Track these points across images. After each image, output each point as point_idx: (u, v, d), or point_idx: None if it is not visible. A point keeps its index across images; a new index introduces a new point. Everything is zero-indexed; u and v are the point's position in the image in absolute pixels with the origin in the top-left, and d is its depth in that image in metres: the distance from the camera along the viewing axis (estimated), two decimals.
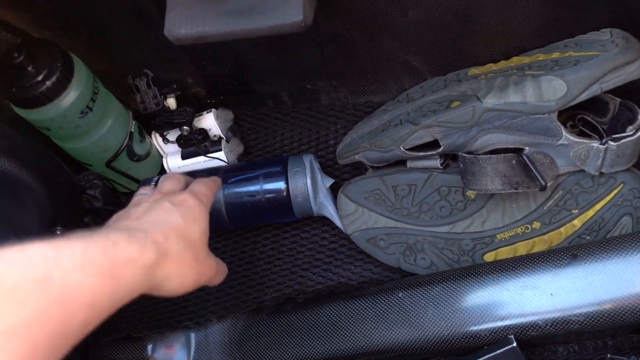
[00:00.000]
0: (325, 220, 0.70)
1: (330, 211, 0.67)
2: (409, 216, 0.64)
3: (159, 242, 0.39)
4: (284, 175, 0.65)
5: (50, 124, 0.59)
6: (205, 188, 0.50)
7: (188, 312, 0.68)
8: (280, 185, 0.65)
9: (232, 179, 0.66)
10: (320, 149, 0.74)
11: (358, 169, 0.71)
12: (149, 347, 0.67)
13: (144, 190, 0.51)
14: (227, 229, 0.71)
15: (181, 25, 0.46)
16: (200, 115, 0.73)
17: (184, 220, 0.43)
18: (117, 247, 0.35)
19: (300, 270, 0.68)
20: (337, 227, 0.70)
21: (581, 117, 0.62)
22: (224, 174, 0.67)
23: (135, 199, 0.49)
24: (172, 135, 0.73)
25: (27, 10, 0.60)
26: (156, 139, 0.74)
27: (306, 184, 0.65)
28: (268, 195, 0.65)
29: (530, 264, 0.56)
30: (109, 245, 0.34)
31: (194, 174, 0.60)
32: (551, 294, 0.54)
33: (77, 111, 0.59)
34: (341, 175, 0.71)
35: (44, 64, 0.55)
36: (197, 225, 0.45)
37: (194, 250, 0.43)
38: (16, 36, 0.62)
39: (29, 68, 0.55)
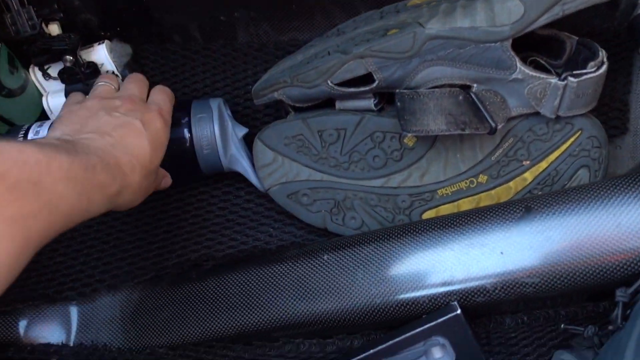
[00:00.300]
0: (239, 176, 0.59)
1: (244, 165, 0.56)
2: (337, 167, 0.54)
3: (125, 173, 0.41)
4: (187, 122, 0.54)
5: None
6: (168, 103, 0.50)
7: (70, 281, 0.56)
8: (183, 134, 0.54)
9: None
10: (236, 95, 0.63)
11: (280, 116, 0.60)
12: (21, 323, 0.55)
13: (106, 80, 0.52)
14: None
15: None
16: (90, 47, 0.60)
17: (151, 148, 0.44)
18: (95, 172, 0.37)
19: (209, 232, 0.57)
20: (251, 184, 0.59)
21: (533, 59, 0.54)
22: None
23: (98, 88, 0.50)
24: (54, 68, 0.60)
25: None
26: (35, 74, 0.61)
27: (213, 132, 0.54)
28: (169, 148, 0.53)
29: (477, 219, 0.48)
30: (90, 167, 0.37)
31: None
32: (501, 252, 0.46)
33: None
34: (260, 126, 0.60)
35: None
36: (160, 152, 0.46)
37: (152, 176, 0.45)
38: None
39: None
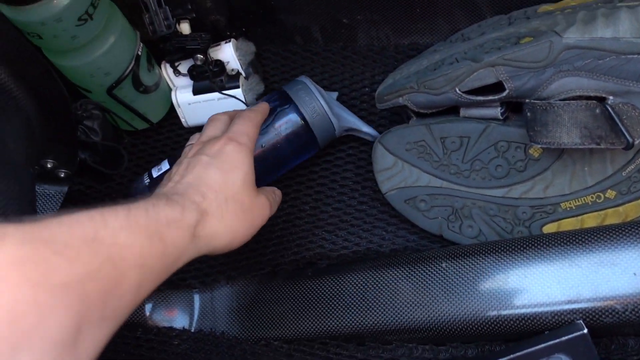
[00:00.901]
0: (354, 177, 0.60)
1: (351, 120, 0.59)
2: (458, 175, 0.54)
3: (197, 202, 0.39)
4: (289, 102, 0.57)
5: (42, 30, 0.49)
6: (244, 126, 0.48)
7: (193, 270, 0.59)
8: (291, 114, 0.57)
9: None
10: (353, 96, 0.64)
11: (398, 120, 0.61)
12: (147, 306, 0.58)
13: (191, 141, 0.51)
14: None
15: None
16: (217, 45, 0.63)
17: (221, 172, 0.43)
18: (158, 209, 0.35)
19: (324, 232, 0.59)
20: (367, 186, 0.60)
21: None
22: None
23: (184, 151, 0.49)
24: (185, 67, 0.63)
25: None
26: (166, 70, 0.64)
27: (317, 100, 0.57)
28: (284, 132, 0.56)
29: (608, 237, 0.46)
30: (150, 207, 0.35)
31: None
32: (634, 274, 0.44)
33: (74, 16, 0.49)
34: (377, 128, 0.61)
35: None
36: (237, 173, 0.44)
37: (238, 199, 0.43)
38: None
39: None
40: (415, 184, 0.55)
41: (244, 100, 0.62)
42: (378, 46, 0.64)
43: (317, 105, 0.56)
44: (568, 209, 0.52)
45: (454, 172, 0.54)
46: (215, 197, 0.41)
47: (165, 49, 0.61)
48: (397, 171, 0.55)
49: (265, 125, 0.56)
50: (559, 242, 0.48)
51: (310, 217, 0.60)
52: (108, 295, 0.28)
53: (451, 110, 0.54)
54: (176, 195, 0.39)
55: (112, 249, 0.29)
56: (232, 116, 0.51)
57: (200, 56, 0.60)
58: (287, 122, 0.56)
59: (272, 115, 0.57)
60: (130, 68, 0.57)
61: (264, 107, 0.54)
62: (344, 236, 0.58)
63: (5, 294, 0.23)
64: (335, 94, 0.61)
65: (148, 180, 0.58)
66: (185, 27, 0.62)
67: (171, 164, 0.58)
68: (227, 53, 0.63)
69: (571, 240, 0.47)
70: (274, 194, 0.51)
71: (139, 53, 0.58)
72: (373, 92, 0.63)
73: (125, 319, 0.30)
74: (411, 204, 0.55)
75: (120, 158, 0.63)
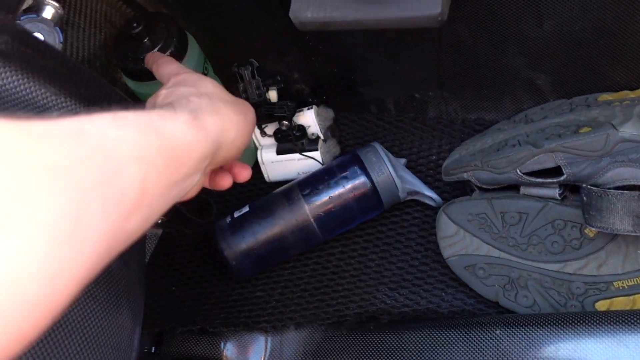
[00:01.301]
0: (417, 239, 0.66)
1: (415, 183, 0.65)
2: (516, 247, 0.58)
3: (184, 104, 0.39)
4: (359, 164, 0.64)
5: None
6: (175, 64, 0.50)
7: (266, 315, 0.65)
8: (361, 175, 0.63)
9: (311, 189, 0.64)
10: (421, 163, 0.69)
11: (461, 189, 0.66)
12: (223, 344, 0.65)
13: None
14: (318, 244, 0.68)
15: (308, 8, 0.43)
16: (300, 111, 0.71)
17: (190, 86, 0.43)
18: (147, 110, 0.33)
19: (387, 289, 0.64)
20: (430, 248, 0.65)
21: None
22: (300, 186, 0.65)
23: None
24: (270, 128, 0.71)
25: None
26: (254, 131, 0.72)
27: (382, 160, 0.63)
28: (352, 190, 0.63)
29: None
30: (138, 110, 0.32)
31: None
32: None
33: None
34: (440, 194, 0.66)
35: (160, 37, 0.54)
36: (204, 81, 0.45)
37: (220, 98, 0.42)
38: (136, 10, 0.61)
39: (145, 40, 0.54)
40: (475, 253, 0.59)
41: (321, 161, 0.69)
42: (446, 119, 0.70)
43: (385, 168, 0.63)
44: (620, 288, 0.55)
45: (512, 245, 0.58)
46: (199, 98, 0.40)
47: (256, 114, 0.69)
48: (458, 239, 0.60)
49: (335, 181, 0.63)
50: (609, 321, 0.51)
51: (375, 273, 0.65)
52: (107, 185, 0.25)
53: (512, 186, 0.59)
54: (161, 106, 0.40)
55: (101, 140, 0.26)
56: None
57: (285, 122, 0.67)
58: (356, 182, 0.63)
59: (343, 173, 0.63)
60: None
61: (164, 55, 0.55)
62: (405, 294, 0.63)
63: None
64: (403, 161, 0.67)
65: (229, 220, 0.65)
66: (273, 95, 0.70)
67: (251, 208, 0.65)
68: (309, 118, 0.70)
69: (621, 320, 0.50)
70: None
71: None
72: (439, 160, 0.69)
73: (140, 229, 0.28)
74: (470, 271, 0.60)
75: (209, 208, 0.71)
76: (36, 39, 0.39)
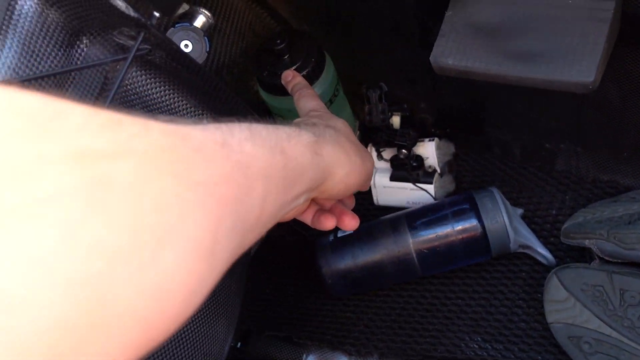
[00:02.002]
0: (521, 294, 0.63)
1: (529, 237, 0.62)
2: (631, 330, 0.54)
3: (310, 125, 0.39)
4: (473, 207, 0.61)
5: (286, 114, 0.59)
6: (316, 101, 0.49)
7: (352, 337, 0.65)
8: (472, 218, 0.61)
9: (419, 223, 0.62)
10: (539, 215, 0.66)
11: (577, 252, 0.62)
12: (305, 355, 0.66)
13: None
14: (416, 278, 0.66)
15: (450, 54, 0.42)
16: (421, 141, 0.69)
17: (322, 119, 0.43)
18: (276, 126, 0.33)
19: (481, 339, 0.61)
20: (532, 306, 0.61)
21: None
22: (408, 218, 0.64)
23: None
24: (388, 152, 0.71)
25: (294, 1, 0.61)
26: (371, 152, 0.72)
27: (498, 207, 0.60)
28: (460, 232, 0.61)
29: None
30: (269, 124, 0.32)
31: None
32: None
33: None
34: (554, 253, 0.63)
35: (299, 55, 0.56)
36: (335, 120, 0.44)
37: (346, 135, 0.42)
38: (279, 24, 0.63)
39: (285, 57, 0.55)
40: (584, 325, 0.55)
41: (434, 195, 0.68)
42: (576, 175, 0.65)
43: (499, 216, 0.60)
44: None
45: (627, 326, 0.54)
46: (326, 128, 0.40)
47: (375, 139, 0.69)
48: (567, 306, 0.56)
49: (445, 220, 0.61)
50: None
51: (471, 320, 0.63)
52: (239, 203, 0.25)
53: (638, 263, 0.54)
54: (298, 123, 0.39)
55: (240, 156, 0.27)
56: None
57: (404, 151, 0.67)
58: (466, 224, 0.61)
59: (455, 213, 0.62)
60: None
61: (304, 80, 0.53)
62: (499, 349, 0.60)
63: (151, 182, 0.20)
64: (520, 211, 0.64)
65: (332, 238, 0.66)
66: (396, 121, 0.69)
67: (355, 231, 0.65)
68: (429, 150, 0.69)
69: None
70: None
71: None
72: (559, 216, 0.65)
73: (251, 245, 0.29)
74: (574, 342, 0.56)
75: None
76: (186, 56, 0.41)
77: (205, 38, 0.51)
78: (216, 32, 0.59)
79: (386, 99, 0.68)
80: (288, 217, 0.41)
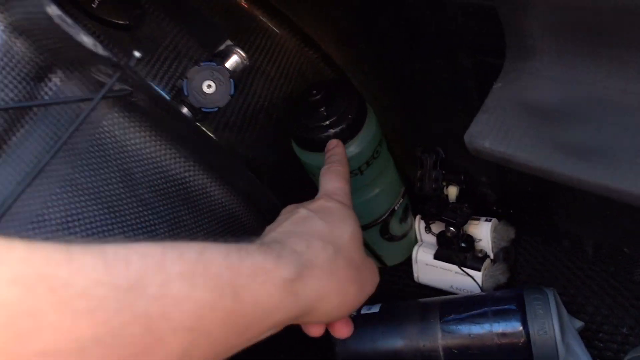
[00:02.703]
0: None
1: (582, 358, 0.50)
2: None
3: (299, 251, 0.31)
4: (520, 308, 0.51)
5: (318, 172, 0.53)
6: (339, 182, 0.41)
7: None
8: (515, 321, 0.51)
9: (453, 317, 0.53)
10: (605, 331, 0.55)
11: None
12: None
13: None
14: None
15: (489, 136, 0.34)
16: (476, 219, 0.61)
17: (327, 223, 0.35)
18: (243, 254, 0.27)
19: None
20: None
21: None
22: (442, 308, 0.55)
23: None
24: (437, 226, 0.62)
25: (349, 51, 0.56)
26: (419, 224, 0.64)
27: (551, 315, 0.50)
28: (500, 336, 0.51)
29: None
30: (233, 251, 0.27)
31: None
32: None
33: None
34: None
35: (337, 109, 0.50)
36: (344, 226, 0.36)
37: (348, 255, 0.34)
38: (333, 71, 0.58)
39: (321, 109, 0.50)
40: None
41: (480, 284, 0.59)
42: None
43: (550, 327, 0.50)
44: None
45: None
46: (324, 247, 0.33)
47: (425, 208, 0.61)
48: None
49: (485, 318, 0.52)
50: None
51: None
52: (142, 356, 0.22)
53: None
54: (274, 242, 0.31)
55: (152, 304, 0.22)
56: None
57: (452, 229, 0.58)
58: (508, 329, 0.51)
59: (498, 311, 0.52)
60: (382, 219, 0.59)
61: (343, 152, 0.46)
62: None
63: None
64: (579, 324, 0.53)
65: (354, 314, 0.59)
66: (452, 192, 0.61)
67: (382, 311, 0.58)
68: (483, 232, 0.60)
69: None
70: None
71: (396, 207, 0.60)
72: (630, 337, 0.53)
73: None
74: None
75: None
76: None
77: (232, 81, 0.47)
78: (257, 74, 0.55)
79: (442, 166, 0.60)
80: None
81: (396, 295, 0.65)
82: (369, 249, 0.63)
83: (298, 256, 0.31)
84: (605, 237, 0.55)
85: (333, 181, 0.41)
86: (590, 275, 0.57)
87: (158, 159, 0.35)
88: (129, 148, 0.34)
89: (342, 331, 0.39)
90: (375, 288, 0.38)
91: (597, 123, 0.32)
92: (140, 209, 0.35)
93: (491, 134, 0.35)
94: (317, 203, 0.38)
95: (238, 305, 0.26)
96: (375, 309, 0.58)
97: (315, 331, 0.38)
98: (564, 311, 0.52)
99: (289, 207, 0.39)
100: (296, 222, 0.35)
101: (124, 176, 0.33)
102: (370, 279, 0.37)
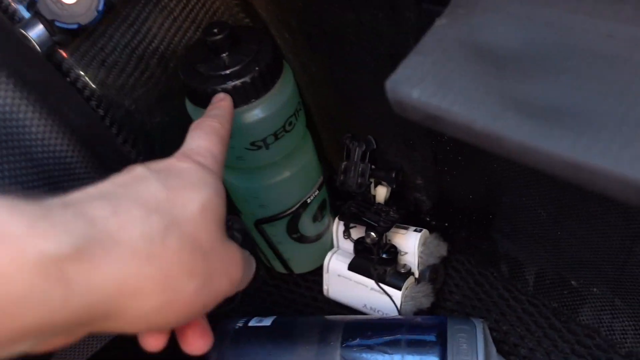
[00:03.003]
0: None
1: None
2: None
3: (94, 217, 0.21)
4: (441, 341, 0.42)
5: None
6: (207, 141, 0.30)
7: None
8: (433, 354, 0.41)
9: (359, 343, 0.43)
10: None
11: None
12: None
13: None
14: None
15: (419, 83, 0.24)
16: (404, 228, 0.51)
17: (165, 189, 0.24)
18: None
19: None
20: None
21: None
22: (346, 330, 0.44)
23: None
24: (358, 231, 0.52)
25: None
26: (337, 227, 0.54)
27: (476, 352, 0.40)
28: None
29: None
30: None
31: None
32: None
33: (247, 140, 0.41)
34: None
35: (243, 56, 0.38)
36: (192, 194, 0.25)
37: (188, 233, 0.24)
38: (252, 21, 0.48)
39: (223, 55, 0.39)
40: None
41: (398, 307, 0.48)
42: (605, 337, 0.45)
43: None
44: None
45: None
46: (145, 217, 0.22)
47: (344, 207, 0.51)
48: None
49: (397, 347, 0.42)
50: None
51: None
52: None
53: None
54: (62, 205, 0.21)
55: None
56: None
57: (374, 235, 0.48)
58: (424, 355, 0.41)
59: (415, 341, 0.42)
60: (290, 211, 0.48)
61: (228, 108, 0.35)
62: None
63: None
64: None
65: (240, 325, 0.47)
66: (381, 193, 0.51)
67: (274, 325, 0.47)
68: (410, 244, 0.50)
69: None
70: (250, 257, 0.30)
71: (309, 200, 0.49)
72: None
73: None
74: None
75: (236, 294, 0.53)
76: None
77: None
78: (157, 7, 0.43)
79: (372, 160, 0.50)
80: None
81: (299, 310, 0.54)
82: (272, 248, 0.52)
83: (87, 225, 0.20)
84: (551, 265, 0.46)
85: (199, 139, 0.30)
86: (529, 310, 0.48)
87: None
88: None
89: (195, 344, 0.28)
90: (237, 285, 0.27)
91: (570, 77, 0.23)
92: None
93: (423, 82, 0.24)
94: (165, 162, 0.27)
95: None
96: (267, 322, 0.47)
97: (152, 342, 0.27)
98: (493, 349, 0.43)
99: (133, 166, 0.26)
100: (121, 182, 0.24)
101: None
102: (225, 272, 0.25)
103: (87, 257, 0.19)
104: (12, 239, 0.18)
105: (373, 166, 0.51)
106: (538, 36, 0.24)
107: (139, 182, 0.24)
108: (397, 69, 0.26)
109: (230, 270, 0.26)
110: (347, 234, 0.53)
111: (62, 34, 0.36)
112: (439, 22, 0.27)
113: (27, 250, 0.18)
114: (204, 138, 0.30)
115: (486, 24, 0.25)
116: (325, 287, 0.53)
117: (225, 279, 0.25)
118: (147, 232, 0.22)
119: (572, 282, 0.45)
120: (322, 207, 0.51)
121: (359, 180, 0.51)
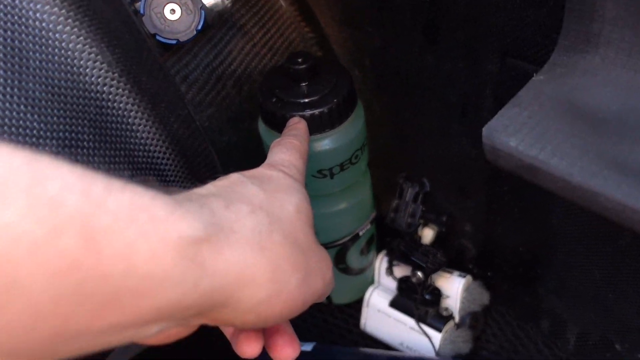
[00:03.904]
0: None
1: None
2: None
3: (213, 209, 0.22)
4: None
5: None
6: (289, 155, 0.32)
7: None
8: None
9: None
10: None
11: None
12: None
13: None
14: None
15: (516, 133, 0.25)
16: (448, 272, 0.51)
17: (263, 190, 0.26)
18: (117, 188, 0.18)
19: None
20: None
21: None
22: None
23: None
24: (400, 269, 0.52)
25: (355, 29, 0.47)
26: (381, 262, 0.54)
27: None
28: None
29: None
30: (115, 187, 0.18)
31: None
32: None
33: (314, 168, 0.42)
34: None
35: (322, 87, 0.40)
36: (287, 197, 0.27)
37: (289, 230, 0.25)
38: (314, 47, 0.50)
39: (304, 84, 0.40)
40: None
41: (436, 348, 0.48)
42: None
43: None
44: None
45: None
46: (252, 212, 0.24)
47: (393, 244, 0.51)
48: None
49: None
50: None
51: None
52: None
53: None
54: (186, 196, 0.22)
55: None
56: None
57: (420, 275, 0.49)
58: None
59: None
60: (342, 242, 0.49)
61: (305, 130, 0.37)
62: None
63: None
64: None
65: None
66: (427, 234, 0.52)
67: (316, 350, 0.47)
68: (454, 288, 0.50)
69: None
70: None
71: (360, 233, 0.50)
72: None
73: None
74: None
75: None
76: None
77: (202, 12, 0.37)
78: (240, 32, 0.45)
79: (424, 202, 0.51)
80: (151, 341, 0.23)
81: (333, 340, 0.54)
82: None
83: (211, 214, 0.21)
84: (596, 326, 0.46)
85: (282, 153, 0.32)
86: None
87: (65, 47, 0.25)
88: (21, 13, 0.24)
89: (284, 352, 0.28)
90: (326, 290, 0.27)
91: None
92: (23, 107, 0.24)
93: (520, 133, 0.26)
94: (255, 170, 0.29)
95: (91, 258, 0.16)
96: (308, 347, 0.47)
97: (248, 348, 0.27)
98: None
99: (228, 174, 0.28)
100: (222, 185, 0.26)
101: (5, 52, 0.23)
102: (320, 271, 0.26)
103: (215, 242, 0.20)
104: (159, 221, 0.18)
105: (423, 208, 0.52)
106: (637, 102, 0.25)
107: (238, 184, 0.26)
108: (494, 118, 0.27)
109: (324, 270, 0.27)
110: (389, 271, 0.54)
111: (159, 48, 0.38)
112: (537, 78, 0.28)
113: (171, 232, 0.19)
114: (286, 153, 0.32)
115: (585, 85, 0.27)
116: (362, 320, 0.54)
117: (320, 279, 0.26)
118: (256, 225, 0.23)
119: (617, 346, 0.45)
120: (369, 242, 0.52)
121: (409, 220, 0.52)
